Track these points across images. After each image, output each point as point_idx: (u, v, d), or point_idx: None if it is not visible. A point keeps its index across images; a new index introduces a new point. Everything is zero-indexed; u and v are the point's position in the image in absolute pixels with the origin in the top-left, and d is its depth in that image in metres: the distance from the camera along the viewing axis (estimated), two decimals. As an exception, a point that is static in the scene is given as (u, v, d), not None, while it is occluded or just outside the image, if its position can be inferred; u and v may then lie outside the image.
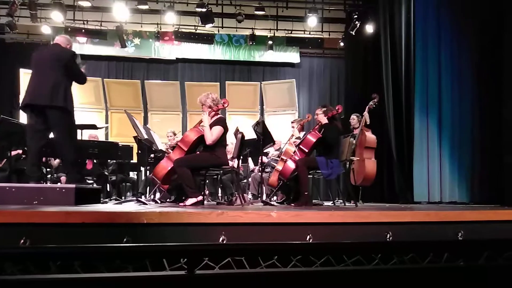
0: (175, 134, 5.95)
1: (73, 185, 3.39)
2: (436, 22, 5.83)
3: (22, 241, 2.07)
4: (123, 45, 8.37)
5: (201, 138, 3.87)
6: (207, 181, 4.93)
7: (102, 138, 7.49)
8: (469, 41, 5.60)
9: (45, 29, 8.14)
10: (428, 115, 5.73)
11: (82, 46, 8.64)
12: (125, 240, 2.17)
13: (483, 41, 5.43)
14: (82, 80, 3.82)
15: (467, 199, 5.49)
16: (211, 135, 3.76)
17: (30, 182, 3.48)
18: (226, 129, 3.88)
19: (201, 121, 3.94)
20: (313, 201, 4.52)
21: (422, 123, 5.72)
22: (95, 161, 5.78)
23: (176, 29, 8.06)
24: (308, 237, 2.41)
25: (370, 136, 5.40)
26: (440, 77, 5.75)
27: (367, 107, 5.44)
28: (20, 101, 3.87)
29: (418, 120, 5.71)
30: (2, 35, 7.98)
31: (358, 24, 7.38)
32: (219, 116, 3.96)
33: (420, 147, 5.68)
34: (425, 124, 5.72)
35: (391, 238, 2.55)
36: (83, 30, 7.89)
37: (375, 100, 5.48)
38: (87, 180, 5.58)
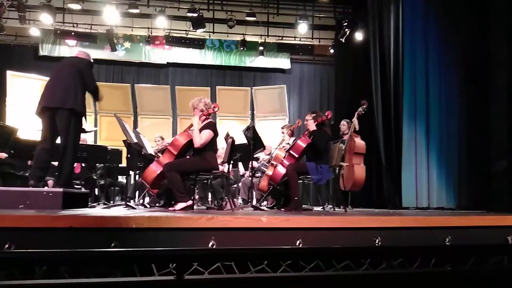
0: (163, 139, 5.92)
1: (61, 189, 3.34)
2: (424, 31, 5.93)
3: (6, 245, 2.03)
4: (113, 49, 8.32)
5: (191, 142, 3.85)
6: (197, 185, 4.91)
7: (91, 141, 7.41)
8: (456, 50, 5.71)
9: (34, 31, 8.05)
10: (416, 121, 5.80)
11: (72, 49, 8.56)
12: (113, 245, 2.15)
13: (470, 50, 5.54)
14: (93, 89, 3.90)
15: (454, 205, 5.56)
16: (200, 138, 3.76)
17: (29, 182, 3.51)
18: (216, 134, 3.87)
19: (191, 125, 3.93)
20: (303, 206, 4.53)
21: (410, 129, 5.79)
22: (83, 165, 5.70)
23: (167, 33, 8.04)
24: (298, 242, 2.42)
25: (359, 142, 5.45)
26: (427, 85, 5.84)
27: (356, 113, 5.49)
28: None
29: (406, 126, 5.78)
30: (-10, 36, 7.88)
31: (348, 32, 7.47)
32: (209, 120, 3.96)
33: (408, 153, 5.75)
34: (413, 130, 5.79)
35: (380, 243, 2.57)
36: (73, 33, 7.82)
37: (364, 106, 5.54)
38: (74, 184, 5.50)
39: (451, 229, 2.77)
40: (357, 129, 5.47)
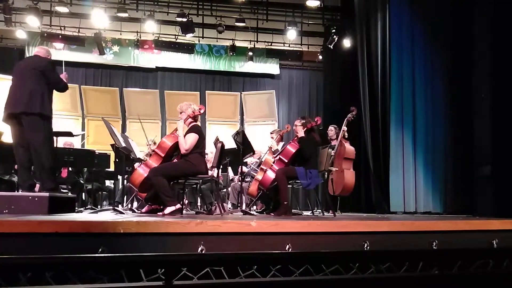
0: (155, 143, 5.87)
1: (47, 194, 3.29)
2: (410, 38, 6.05)
3: (-10, 251, 1.98)
4: (102, 52, 8.25)
5: (177, 144, 3.83)
6: (186, 190, 4.88)
7: (78, 146, 7.31)
8: (442, 58, 5.84)
9: (20, 34, 7.94)
10: (403, 127, 5.89)
11: (59, 52, 8.45)
12: (100, 250, 2.12)
13: (455, 57, 5.67)
14: (62, 88, 3.84)
15: (441, 210, 5.64)
16: (185, 143, 3.73)
17: (22, 191, 3.46)
18: (201, 136, 3.84)
19: (177, 129, 3.90)
20: (292, 210, 4.53)
21: (397, 135, 5.87)
22: (70, 169, 5.62)
23: (156, 37, 8.02)
24: (287, 246, 2.42)
25: (349, 147, 5.50)
26: (414, 91, 5.94)
27: (346, 119, 5.54)
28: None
29: (393, 132, 5.85)
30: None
31: (336, 38, 7.55)
32: (194, 123, 3.94)
33: (396, 159, 5.82)
34: (400, 136, 5.87)
35: (368, 247, 2.59)
36: (60, 36, 7.73)
37: (354, 113, 5.60)
38: (61, 189, 5.41)
39: (438, 233, 2.81)
40: (346, 136, 5.52)
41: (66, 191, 5.19)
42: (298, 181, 4.24)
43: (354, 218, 3.60)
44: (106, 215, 3.57)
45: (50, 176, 3.57)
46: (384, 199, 5.78)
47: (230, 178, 6.31)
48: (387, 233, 2.75)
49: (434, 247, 2.71)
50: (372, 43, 6.36)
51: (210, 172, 4.29)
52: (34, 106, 3.51)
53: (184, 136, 3.79)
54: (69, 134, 5.00)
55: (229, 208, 5.54)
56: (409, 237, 2.78)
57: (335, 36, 7.55)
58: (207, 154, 4.33)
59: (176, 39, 8.06)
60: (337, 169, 5.38)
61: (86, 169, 5.86)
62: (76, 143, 6.84)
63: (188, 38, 7.95)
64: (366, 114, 6.24)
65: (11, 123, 3.60)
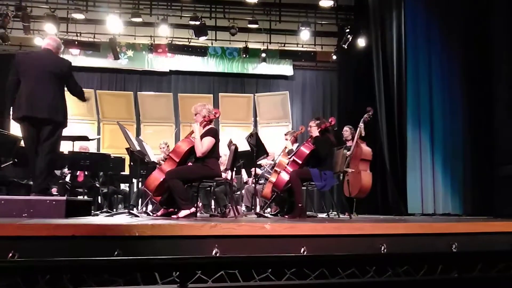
0: (167, 146, 5.92)
1: (64, 198, 3.34)
2: (426, 36, 5.94)
3: (10, 254, 2.02)
4: (116, 57, 8.37)
5: (193, 149, 3.84)
6: (200, 193, 4.89)
7: (93, 149, 7.43)
8: (459, 55, 5.71)
9: (38, 41, 8.12)
10: (421, 127, 5.78)
11: (75, 58, 8.62)
12: (116, 253, 2.13)
13: (473, 55, 5.54)
14: (79, 93, 3.80)
15: (460, 211, 5.51)
16: (202, 146, 3.73)
17: (32, 194, 3.43)
18: (217, 140, 3.84)
19: (192, 132, 3.91)
20: (307, 213, 4.50)
21: (414, 135, 5.77)
22: (86, 173, 5.71)
23: (170, 41, 8.09)
24: (302, 249, 2.39)
25: (365, 148, 5.43)
26: (431, 90, 5.83)
27: (362, 120, 5.47)
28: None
29: (410, 132, 5.76)
30: (-6, 46, 7.96)
31: (350, 38, 7.49)
32: (210, 126, 3.93)
33: (413, 160, 5.72)
34: (417, 136, 5.76)
35: (385, 250, 2.54)
36: (76, 42, 7.89)
37: (370, 113, 5.53)
38: (77, 192, 5.51)
39: (457, 236, 2.73)
40: (363, 135, 5.45)
41: (82, 194, 5.29)
42: (313, 182, 4.21)
43: (371, 220, 3.54)
44: (121, 218, 3.61)
45: (47, 177, 3.57)
46: (401, 200, 5.69)
47: (244, 181, 6.31)
48: (405, 235, 2.69)
49: (453, 250, 2.63)
50: (387, 42, 6.27)
51: (224, 175, 4.29)
52: (57, 115, 3.53)
53: (200, 138, 3.79)
54: (85, 138, 5.08)
55: (243, 210, 5.53)
56: (427, 240, 2.71)
57: (349, 36, 7.49)
58: (220, 156, 4.33)
59: (189, 42, 8.12)
60: (353, 170, 5.32)
61: (101, 172, 5.94)
62: (91, 147, 6.95)
63: (201, 41, 8.00)
64: (382, 113, 6.15)
65: (26, 125, 3.54)
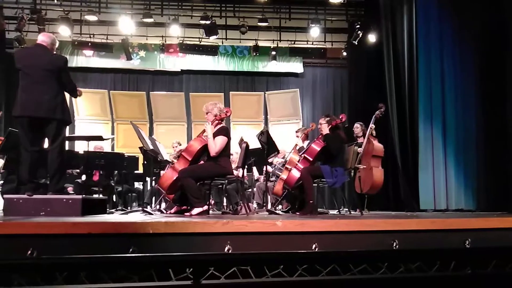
0: (180, 144, 5.99)
1: (80, 196, 3.42)
2: (438, 32, 5.86)
3: (29, 252, 2.08)
4: (129, 58, 8.48)
5: (205, 147, 3.88)
6: (212, 190, 4.94)
7: (108, 149, 7.54)
8: (472, 50, 5.62)
9: (53, 43, 8.28)
10: (433, 123, 5.72)
11: (89, 59, 8.77)
12: (131, 250, 2.18)
13: (487, 50, 5.45)
14: (72, 89, 3.68)
15: (473, 207, 5.44)
16: (215, 146, 3.77)
17: (25, 193, 3.39)
18: (229, 138, 3.88)
19: (204, 131, 3.95)
20: (318, 209, 4.50)
21: (426, 131, 5.71)
22: (101, 172, 5.81)
23: (181, 41, 8.16)
24: (313, 246, 2.40)
25: (377, 144, 5.40)
26: (443, 85, 5.76)
27: (374, 116, 5.44)
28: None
29: (422, 128, 5.70)
30: (11, 49, 8.13)
31: (361, 34, 7.43)
32: (221, 125, 3.97)
33: (425, 155, 5.67)
34: (429, 132, 5.71)
35: (397, 246, 2.53)
36: (90, 44, 8.02)
37: (382, 109, 5.49)
38: (93, 191, 5.61)
39: (470, 232, 2.71)
40: (374, 133, 5.43)
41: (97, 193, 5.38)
42: (324, 179, 4.21)
43: (382, 217, 3.53)
44: (135, 216, 3.67)
45: (61, 177, 3.59)
46: (413, 196, 5.64)
47: (255, 178, 6.34)
48: (417, 231, 2.68)
49: (467, 246, 2.61)
50: (398, 37, 6.21)
51: (235, 172, 4.33)
52: (56, 112, 3.47)
53: (213, 138, 3.83)
54: (99, 138, 5.17)
55: (255, 208, 5.56)
56: (440, 236, 2.69)
57: (359, 32, 7.43)
58: (232, 154, 4.37)
59: (200, 42, 8.17)
60: (364, 166, 5.30)
61: (116, 171, 6.03)
62: (106, 146, 7.07)
63: (212, 40, 8.04)
64: (393, 110, 6.10)
65: (25, 125, 3.50)
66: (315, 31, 7.83)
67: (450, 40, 5.78)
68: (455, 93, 5.71)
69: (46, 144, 3.70)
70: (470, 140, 5.55)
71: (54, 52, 3.73)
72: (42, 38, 3.68)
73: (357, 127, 5.68)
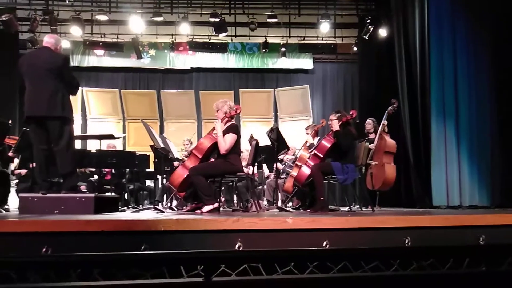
0: (191, 142, 6.02)
1: (92, 195, 3.47)
2: (451, 25, 5.77)
3: (44, 249, 2.12)
4: (139, 57, 8.54)
5: (215, 145, 3.90)
6: (223, 188, 4.95)
7: (119, 147, 7.62)
8: (486, 44, 5.52)
9: (65, 44, 8.38)
10: (445, 118, 5.65)
11: (100, 59, 8.86)
12: (143, 247, 2.20)
13: (500, 44, 5.34)
14: (72, 86, 3.68)
15: (488, 203, 5.36)
16: (225, 143, 3.78)
17: (40, 192, 3.44)
18: (239, 136, 3.89)
19: (214, 128, 3.97)
20: (329, 206, 4.48)
21: (439, 127, 5.64)
22: (113, 170, 5.88)
23: (190, 39, 8.18)
24: (324, 243, 2.39)
25: (389, 140, 5.35)
26: (456, 80, 5.67)
27: (386, 112, 5.38)
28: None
29: (435, 124, 5.63)
30: (24, 50, 8.26)
31: (371, 29, 7.34)
32: (231, 123, 3.98)
33: (438, 151, 5.60)
34: (442, 128, 5.64)
35: (409, 243, 2.51)
36: (101, 43, 8.10)
37: (394, 105, 5.43)
38: (105, 189, 5.69)
39: (485, 228, 2.66)
40: (386, 130, 5.38)
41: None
42: (335, 176, 4.19)
43: (394, 213, 3.50)
44: (147, 214, 3.71)
45: (72, 175, 3.61)
46: (425, 193, 5.58)
47: (266, 175, 6.34)
48: (430, 228, 2.64)
49: (481, 243, 2.57)
50: (410, 31, 6.12)
51: (245, 170, 4.34)
52: (57, 110, 3.47)
53: (223, 135, 3.84)
54: (111, 136, 5.22)
55: (265, 205, 5.56)
56: (453, 232, 2.65)
57: (370, 27, 7.35)
58: (242, 152, 4.37)
59: (210, 40, 8.18)
60: (376, 163, 5.25)
61: (127, 170, 6.10)
62: (117, 145, 7.15)
63: (221, 37, 8.04)
64: (405, 105, 6.04)
65: (32, 126, 3.56)
66: (325, 27, 7.77)
67: (463, 34, 5.69)
68: (468, 87, 5.62)
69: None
70: (484, 135, 5.46)
71: (58, 52, 3.73)
72: (46, 40, 3.72)
73: (369, 123, 5.63)
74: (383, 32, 7.15)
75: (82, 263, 1.99)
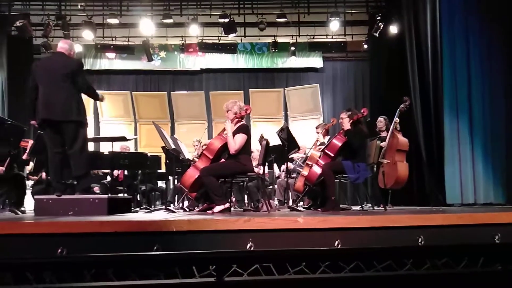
0: (200, 142, 6.06)
1: (106, 196, 3.51)
2: (463, 22, 5.66)
3: (59, 250, 2.16)
4: (150, 59, 8.62)
5: (225, 146, 3.91)
6: (234, 188, 4.97)
7: (131, 149, 7.70)
8: (500, 40, 5.42)
9: (77, 48, 8.50)
10: (459, 115, 5.56)
11: (111, 62, 8.97)
12: (155, 248, 2.23)
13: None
14: (87, 90, 3.74)
15: (503, 200, 5.26)
16: (235, 144, 3.80)
17: (54, 194, 3.50)
18: (249, 136, 3.90)
19: (225, 129, 3.98)
20: (341, 205, 4.46)
21: (452, 124, 5.55)
22: (125, 172, 5.94)
23: (200, 40, 8.22)
24: (336, 242, 2.38)
25: (402, 138, 5.29)
26: (469, 76, 5.57)
27: (398, 110, 5.32)
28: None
29: (447, 121, 5.55)
30: (38, 55, 8.41)
31: (382, 26, 7.27)
32: (241, 123, 3.99)
33: (451, 149, 5.51)
34: (455, 124, 5.54)
35: (423, 242, 2.48)
36: (112, 46, 8.20)
37: (407, 103, 5.37)
38: (118, 191, 5.76)
39: (500, 226, 2.62)
40: (398, 128, 5.32)
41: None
42: (346, 175, 4.16)
43: (407, 212, 3.46)
44: (159, 215, 3.74)
45: (86, 177, 3.66)
46: (439, 191, 5.50)
47: (276, 175, 6.33)
48: (443, 226, 2.61)
49: (496, 241, 2.53)
50: (421, 28, 6.04)
51: (256, 170, 4.34)
52: (72, 114, 3.53)
53: (232, 135, 3.85)
54: (123, 138, 5.28)
55: (276, 205, 5.56)
56: (467, 231, 2.62)
57: (380, 24, 7.27)
58: (252, 152, 4.38)
59: (219, 40, 8.20)
60: (388, 161, 5.20)
61: (140, 171, 6.16)
62: (131, 147, 7.22)
63: (231, 38, 8.06)
64: (417, 102, 5.96)
65: (46, 129, 3.61)
66: (334, 25, 7.72)
67: (476, 29, 5.58)
68: (482, 83, 5.52)
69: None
70: (498, 131, 5.36)
71: (72, 57, 3.81)
72: (60, 45, 3.80)
73: (381, 121, 5.58)
74: (393, 29, 7.07)
75: (96, 264, 2.02)
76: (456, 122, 5.56)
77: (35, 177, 5.58)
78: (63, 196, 3.47)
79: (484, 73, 5.51)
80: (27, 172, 5.62)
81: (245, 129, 3.89)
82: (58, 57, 3.75)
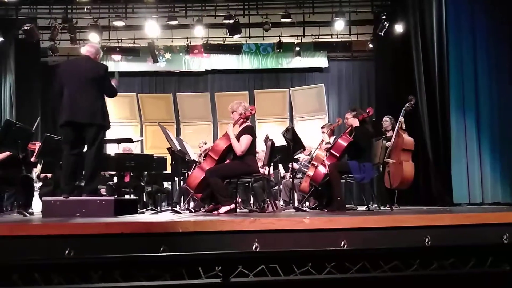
0: (205, 143, 6.08)
1: (112, 197, 3.54)
2: (470, 20, 5.62)
3: (67, 251, 2.18)
4: (155, 61, 8.66)
5: (231, 146, 3.92)
6: (239, 189, 4.97)
7: (137, 151, 7.74)
8: (507, 38, 5.37)
9: (84, 50, 8.55)
10: (465, 114, 5.52)
11: (117, 64, 9.02)
12: (162, 249, 2.23)
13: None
14: (112, 94, 3.85)
15: (511, 200, 5.20)
16: (240, 146, 3.80)
17: (62, 196, 3.53)
18: (254, 137, 3.90)
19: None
20: (347, 206, 4.44)
21: (459, 123, 5.51)
22: (131, 173, 5.97)
23: (205, 41, 8.25)
24: (342, 243, 2.38)
25: (407, 138, 5.26)
26: (476, 74, 5.53)
27: (404, 109, 5.29)
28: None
29: (454, 120, 5.51)
30: (45, 58, 8.49)
31: (387, 25, 7.24)
32: (246, 124, 3.99)
33: (458, 148, 5.47)
34: (462, 123, 5.51)
35: (430, 242, 2.46)
36: (118, 49, 8.25)
37: (412, 102, 5.34)
38: (124, 192, 5.79)
39: (508, 226, 2.59)
40: (403, 127, 5.29)
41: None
42: (352, 175, 4.15)
43: (414, 212, 3.44)
44: (165, 216, 3.75)
45: (94, 179, 3.70)
46: (446, 190, 5.46)
47: (282, 176, 6.33)
48: (451, 226, 2.59)
49: (504, 241, 2.50)
50: (427, 26, 6.01)
51: (261, 170, 4.34)
52: (97, 117, 3.60)
53: (238, 136, 3.86)
54: (129, 140, 5.31)
55: (282, 205, 5.55)
56: (475, 231, 2.59)
57: (385, 23, 7.24)
58: (257, 152, 4.38)
59: (224, 41, 8.22)
60: (394, 161, 5.17)
61: (146, 172, 6.19)
62: (136, 148, 7.26)
63: (235, 39, 8.08)
64: (423, 102, 5.93)
65: (67, 130, 3.63)
66: (339, 24, 7.70)
67: (483, 27, 5.54)
68: (488, 82, 5.48)
69: (85, 148, 3.82)
70: (506, 130, 5.32)
71: (98, 61, 3.89)
72: (87, 49, 3.88)
73: (386, 121, 5.55)
74: (399, 28, 7.03)
75: (103, 265, 2.03)
76: (463, 121, 5.52)
77: (43, 176, 5.62)
78: (70, 198, 3.49)
79: (491, 71, 5.47)
80: (35, 174, 5.68)
81: (250, 130, 3.90)
82: (85, 60, 3.81)
